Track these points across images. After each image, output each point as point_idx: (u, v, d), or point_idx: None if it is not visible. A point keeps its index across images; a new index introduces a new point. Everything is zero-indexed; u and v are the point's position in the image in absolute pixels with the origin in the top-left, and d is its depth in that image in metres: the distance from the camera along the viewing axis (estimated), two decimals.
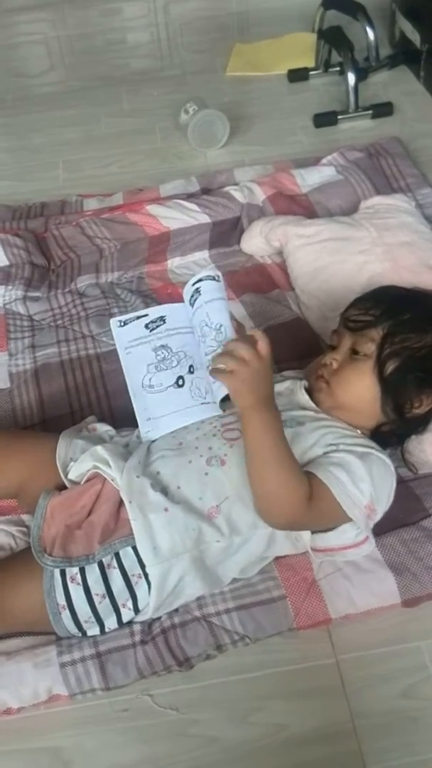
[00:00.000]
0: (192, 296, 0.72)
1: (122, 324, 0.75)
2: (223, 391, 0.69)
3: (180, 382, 0.73)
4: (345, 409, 0.73)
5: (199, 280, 0.72)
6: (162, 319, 0.75)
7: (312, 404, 0.75)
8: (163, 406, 0.73)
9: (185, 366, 0.73)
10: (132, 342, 0.75)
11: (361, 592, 0.70)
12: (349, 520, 0.67)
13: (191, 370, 0.73)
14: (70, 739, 0.65)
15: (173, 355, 0.73)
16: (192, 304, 0.73)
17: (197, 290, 0.72)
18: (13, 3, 1.78)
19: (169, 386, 0.73)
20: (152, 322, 0.74)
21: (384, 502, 0.69)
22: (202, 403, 0.73)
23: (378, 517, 0.69)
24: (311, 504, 0.64)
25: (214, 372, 0.65)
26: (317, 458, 0.68)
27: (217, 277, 0.71)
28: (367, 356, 0.73)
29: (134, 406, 0.74)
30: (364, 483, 0.66)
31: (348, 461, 0.67)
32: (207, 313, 0.71)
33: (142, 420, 0.73)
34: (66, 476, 0.73)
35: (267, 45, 1.66)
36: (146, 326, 0.74)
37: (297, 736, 0.64)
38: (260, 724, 0.65)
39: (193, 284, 0.72)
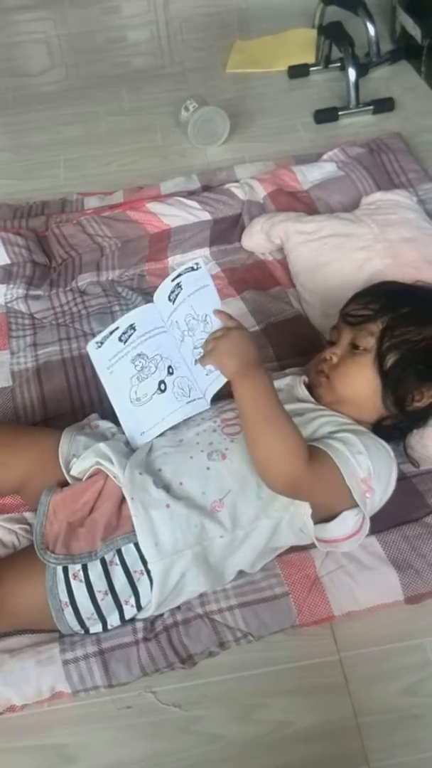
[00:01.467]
0: (172, 292, 0.73)
1: (99, 345, 0.75)
2: (212, 390, 0.70)
3: (162, 387, 0.73)
4: (346, 403, 0.73)
5: (179, 275, 0.72)
6: (132, 327, 0.75)
7: (310, 398, 0.75)
8: (152, 416, 0.73)
9: (163, 370, 0.73)
10: (112, 360, 0.75)
11: (364, 589, 0.70)
12: (347, 501, 0.66)
13: (170, 371, 0.74)
14: (73, 736, 0.65)
15: (150, 361, 0.74)
16: (173, 301, 0.73)
17: (178, 285, 0.72)
18: (14, 2, 1.78)
19: (153, 394, 0.73)
20: (124, 333, 0.74)
21: (383, 485, 0.68)
22: (187, 402, 0.73)
23: (376, 499, 0.68)
24: (311, 466, 0.64)
25: (202, 360, 0.67)
26: (317, 439, 0.68)
27: (196, 266, 0.71)
28: (366, 350, 0.73)
29: (123, 423, 0.74)
30: (362, 456, 0.66)
31: (347, 438, 0.68)
32: (191, 306, 0.71)
33: (135, 434, 0.73)
34: (68, 472, 0.73)
35: (267, 41, 1.66)
36: (120, 339, 0.75)
37: (300, 732, 0.64)
38: (264, 721, 0.65)
39: (173, 280, 0.72)
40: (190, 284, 0.72)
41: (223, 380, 0.69)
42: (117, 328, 0.75)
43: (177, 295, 0.72)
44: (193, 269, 0.71)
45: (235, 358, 0.66)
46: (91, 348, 0.76)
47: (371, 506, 0.68)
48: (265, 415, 0.64)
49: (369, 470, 0.66)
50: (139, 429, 0.73)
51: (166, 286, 0.74)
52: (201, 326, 0.70)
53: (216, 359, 0.68)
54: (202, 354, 0.70)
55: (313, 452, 0.65)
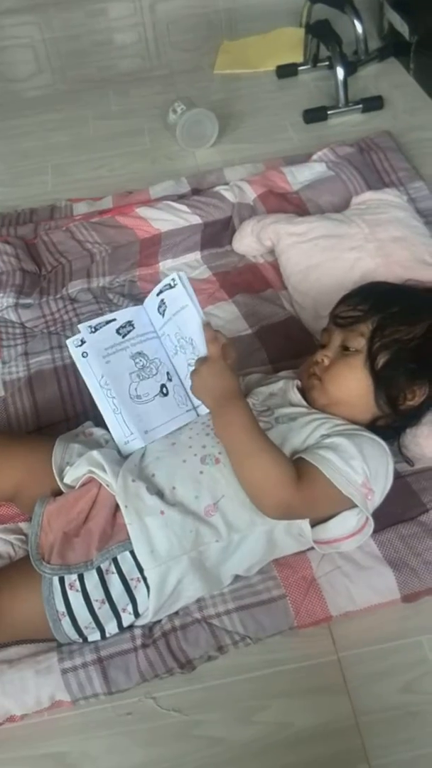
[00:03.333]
0: (159, 307, 0.74)
1: (93, 330, 0.74)
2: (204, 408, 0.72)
3: (164, 391, 0.73)
4: (339, 405, 0.73)
5: (161, 291, 0.72)
6: (130, 324, 0.75)
7: (303, 402, 0.75)
8: (157, 416, 0.73)
9: (163, 374, 0.74)
10: (109, 349, 0.74)
11: (361, 589, 0.70)
12: (348, 504, 0.67)
13: (169, 377, 0.75)
14: (74, 744, 0.66)
15: (151, 362, 0.74)
16: (162, 314, 0.74)
17: (162, 301, 0.73)
18: None
19: (156, 395, 0.73)
20: (122, 327, 0.74)
21: (381, 482, 0.68)
22: (186, 411, 0.75)
23: (377, 498, 0.68)
24: (301, 487, 0.64)
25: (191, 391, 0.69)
26: (309, 447, 0.69)
27: (173, 282, 0.71)
28: (357, 351, 0.73)
29: (113, 415, 0.73)
30: (355, 460, 0.66)
31: (337, 443, 0.67)
32: (178, 326, 0.72)
33: (136, 429, 0.73)
34: (61, 480, 0.73)
35: (255, 41, 1.66)
36: (117, 332, 0.74)
37: (301, 733, 0.65)
38: (264, 723, 0.66)
39: (158, 295, 0.73)
40: (171, 303, 0.72)
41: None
42: (114, 319, 0.75)
43: (164, 311, 0.73)
44: (171, 286, 0.72)
45: (208, 395, 0.68)
46: (83, 329, 0.74)
47: (372, 506, 0.68)
48: (246, 449, 0.65)
49: (366, 473, 0.66)
50: (143, 426, 0.73)
51: (153, 300, 0.74)
52: (189, 348, 0.71)
53: (195, 395, 0.70)
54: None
55: (304, 469, 0.65)
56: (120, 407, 0.73)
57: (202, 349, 0.70)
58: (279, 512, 0.66)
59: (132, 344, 0.74)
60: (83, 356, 0.73)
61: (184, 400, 0.74)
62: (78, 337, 0.74)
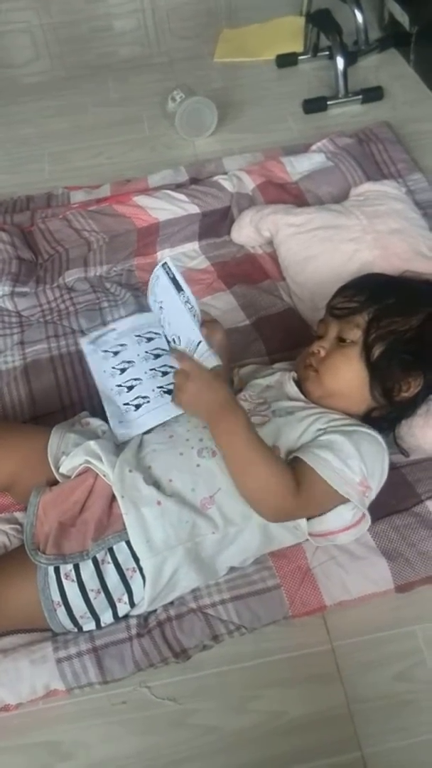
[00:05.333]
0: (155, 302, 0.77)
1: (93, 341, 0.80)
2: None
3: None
4: (335, 396, 0.73)
5: (153, 287, 0.75)
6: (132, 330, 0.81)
7: (300, 395, 0.75)
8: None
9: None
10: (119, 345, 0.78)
11: (355, 579, 0.70)
12: (345, 500, 0.67)
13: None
14: (69, 733, 0.66)
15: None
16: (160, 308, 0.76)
17: (155, 299, 0.75)
18: None
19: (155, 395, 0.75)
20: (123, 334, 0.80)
21: (377, 478, 0.69)
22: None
23: (373, 494, 0.69)
24: (300, 492, 0.64)
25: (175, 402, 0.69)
26: (305, 444, 0.69)
27: (156, 278, 0.73)
28: (353, 342, 0.73)
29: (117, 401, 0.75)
30: (352, 459, 0.66)
31: (334, 440, 0.67)
32: (168, 323, 0.73)
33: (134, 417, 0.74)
34: (57, 470, 0.73)
35: (255, 30, 1.64)
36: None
37: (295, 722, 0.65)
38: (258, 711, 0.66)
39: (151, 292, 0.76)
40: (161, 298, 0.74)
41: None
42: (114, 329, 0.80)
43: (160, 306, 0.74)
44: (157, 277, 0.73)
45: (201, 410, 0.67)
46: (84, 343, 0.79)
47: (369, 501, 0.69)
48: (245, 458, 0.64)
49: (363, 472, 0.67)
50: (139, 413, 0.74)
51: (150, 299, 0.77)
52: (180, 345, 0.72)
53: (182, 402, 0.68)
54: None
55: (300, 471, 0.65)
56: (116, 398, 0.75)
57: (182, 346, 0.70)
58: (278, 518, 0.67)
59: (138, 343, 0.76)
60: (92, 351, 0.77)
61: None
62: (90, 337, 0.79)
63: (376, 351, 0.71)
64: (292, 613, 0.69)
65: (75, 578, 0.66)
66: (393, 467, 0.77)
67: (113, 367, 0.77)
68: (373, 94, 1.40)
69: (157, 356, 0.77)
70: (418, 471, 0.78)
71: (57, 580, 0.66)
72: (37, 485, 0.72)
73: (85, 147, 1.38)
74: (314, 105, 1.39)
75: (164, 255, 1.08)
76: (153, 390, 0.75)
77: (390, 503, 0.74)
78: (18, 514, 0.79)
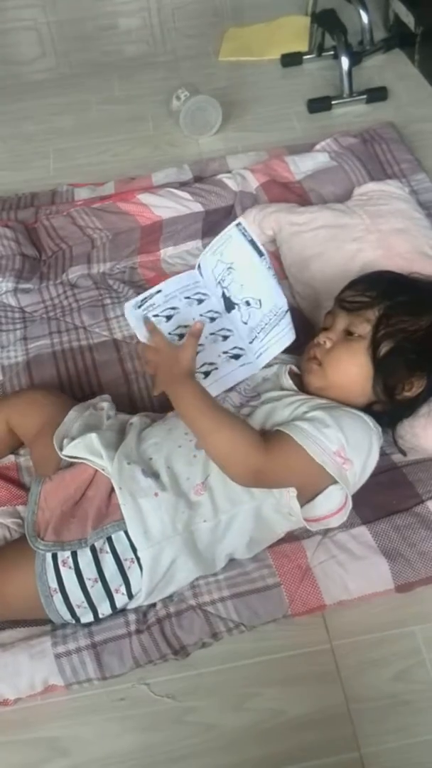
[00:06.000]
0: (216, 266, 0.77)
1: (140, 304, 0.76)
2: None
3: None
4: (335, 388, 0.73)
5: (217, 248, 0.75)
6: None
7: (293, 386, 0.75)
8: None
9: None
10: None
11: (355, 579, 0.70)
12: (327, 476, 0.66)
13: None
14: (67, 728, 0.66)
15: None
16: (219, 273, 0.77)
17: (220, 258, 0.75)
18: None
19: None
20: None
21: (362, 455, 0.68)
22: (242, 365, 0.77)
23: (357, 469, 0.67)
24: (270, 451, 0.64)
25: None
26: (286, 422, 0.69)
27: (227, 237, 0.72)
28: (361, 337, 0.73)
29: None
30: (329, 429, 0.66)
31: (314, 415, 0.68)
32: (241, 285, 0.74)
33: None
34: (60, 449, 0.73)
35: (260, 29, 1.64)
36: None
37: (293, 720, 0.65)
38: (257, 710, 0.66)
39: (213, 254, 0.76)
40: (240, 263, 0.73)
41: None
42: (160, 290, 0.77)
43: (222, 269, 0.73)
44: (231, 237, 0.72)
45: (163, 384, 0.69)
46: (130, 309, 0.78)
47: (353, 478, 0.68)
48: (206, 426, 0.66)
49: (341, 442, 0.66)
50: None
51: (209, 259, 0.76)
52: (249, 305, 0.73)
53: (152, 373, 0.71)
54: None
55: (275, 438, 0.66)
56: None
57: (280, 304, 0.72)
58: (249, 478, 0.66)
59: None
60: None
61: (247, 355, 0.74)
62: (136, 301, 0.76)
63: (384, 348, 0.71)
64: (292, 611, 0.69)
65: (72, 565, 0.66)
66: (394, 467, 0.77)
67: (169, 333, 0.75)
68: (377, 94, 1.40)
69: (212, 319, 0.74)
70: (419, 471, 0.78)
71: (54, 567, 0.66)
72: (38, 477, 0.72)
73: (90, 144, 1.38)
74: (319, 105, 1.39)
75: (167, 253, 1.08)
76: (219, 356, 0.73)
77: (390, 503, 0.74)
78: (20, 508, 0.79)
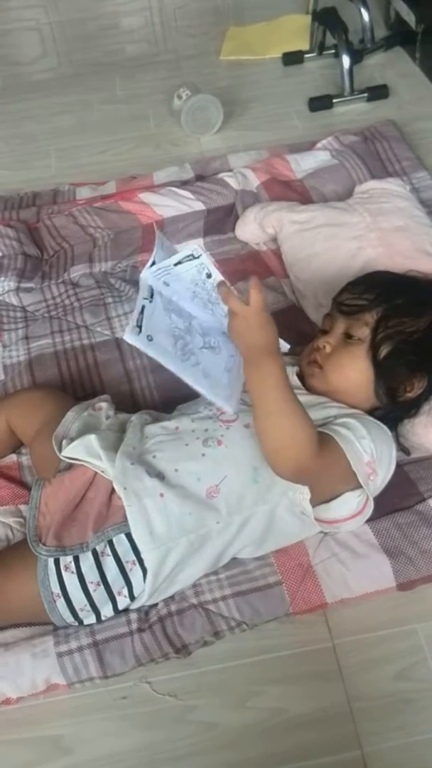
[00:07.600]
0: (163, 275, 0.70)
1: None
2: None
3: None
4: (338, 393, 0.73)
5: (179, 262, 0.69)
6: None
7: (303, 389, 0.75)
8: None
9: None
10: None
11: (357, 577, 0.70)
12: (352, 483, 0.67)
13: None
14: (69, 727, 0.66)
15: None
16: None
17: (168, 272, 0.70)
18: None
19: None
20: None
21: (385, 466, 0.69)
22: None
23: (378, 481, 0.68)
24: (321, 454, 0.63)
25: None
26: (322, 425, 0.68)
27: (195, 254, 0.67)
28: (361, 340, 0.73)
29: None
30: (365, 440, 0.67)
31: (348, 422, 0.68)
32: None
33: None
34: (59, 450, 0.72)
35: (261, 28, 1.64)
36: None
37: (295, 719, 0.65)
38: (258, 708, 0.66)
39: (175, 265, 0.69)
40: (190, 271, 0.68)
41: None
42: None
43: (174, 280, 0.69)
44: (193, 257, 0.68)
45: (245, 343, 0.63)
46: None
47: (374, 488, 0.69)
48: (277, 406, 0.61)
49: (372, 454, 0.67)
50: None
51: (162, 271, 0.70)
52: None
53: (234, 341, 0.64)
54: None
55: (324, 440, 0.65)
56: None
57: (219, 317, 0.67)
58: (293, 473, 0.64)
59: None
60: (149, 339, 0.66)
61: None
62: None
63: (383, 351, 0.71)
64: (294, 610, 0.69)
65: (74, 570, 0.66)
66: (396, 465, 0.77)
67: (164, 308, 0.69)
68: (378, 93, 1.39)
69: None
70: (421, 469, 0.78)
71: (57, 572, 0.66)
72: (38, 480, 0.72)
73: (92, 144, 1.38)
74: (320, 103, 1.39)
75: None
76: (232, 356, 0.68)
77: (392, 501, 0.74)
78: (23, 507, 0.79)
